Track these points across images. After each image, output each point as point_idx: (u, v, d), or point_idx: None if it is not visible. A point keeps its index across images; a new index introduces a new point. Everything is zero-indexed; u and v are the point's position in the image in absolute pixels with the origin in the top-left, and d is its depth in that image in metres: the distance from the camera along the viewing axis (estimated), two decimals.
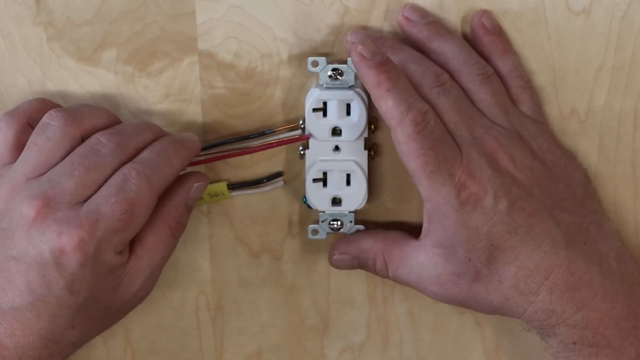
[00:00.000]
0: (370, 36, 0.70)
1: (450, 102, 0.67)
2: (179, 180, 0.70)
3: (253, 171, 0.74)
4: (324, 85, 0.70)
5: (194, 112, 0.74)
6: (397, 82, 0.65)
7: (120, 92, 0.73)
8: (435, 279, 0.68)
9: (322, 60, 0.70)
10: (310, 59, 0.70)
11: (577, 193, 0.69)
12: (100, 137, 0.67)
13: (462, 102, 0.68)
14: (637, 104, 0.72)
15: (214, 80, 0.73)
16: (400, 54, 0.69)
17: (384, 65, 0.65)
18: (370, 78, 0.65)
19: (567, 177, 0.69)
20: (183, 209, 0.69)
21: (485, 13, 0.70)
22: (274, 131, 0.72)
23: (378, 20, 0.71)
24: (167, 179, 0.68)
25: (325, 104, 0.70)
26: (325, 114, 0.70)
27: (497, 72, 0.70)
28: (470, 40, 0.71)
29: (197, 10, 0.72)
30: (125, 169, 0.66)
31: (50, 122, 0.67)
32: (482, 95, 0.69)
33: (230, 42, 0.72)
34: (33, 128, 0.69)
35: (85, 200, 0.65)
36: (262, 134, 0.72)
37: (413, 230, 0.71)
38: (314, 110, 0.70)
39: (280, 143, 0.72)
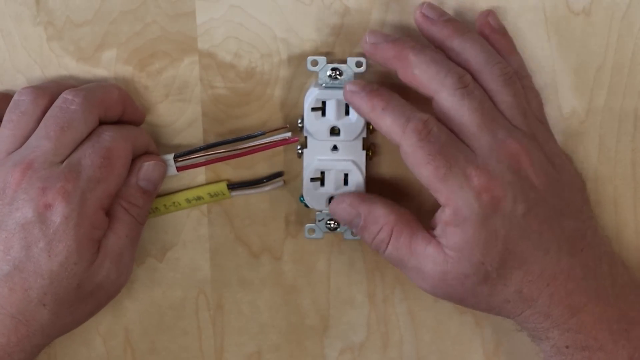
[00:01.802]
0: (389, 37, 0.69)
1: (475, 105, 0.66)
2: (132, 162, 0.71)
3: (253, 171, 0.74)
4: (323, 85, 0.70)
5: (194, 112, 0.74)
6: (390, 100, 0.66)
7: None
8: (441, 274, 0.67)
9: (321, 59, 0.70)
10: (310, 58, 0.70)
11: (577, 198, 0.69)
12: (66, 95, 0.69)
13: (485, 103, 0.67)
14: (637, 104, 0.72)
15: (214, 80, 0.73)
16: (422, 56, 0.67)
17: (375, 91, 0.66)
18: (364, 106, 0.66)
19: (570, 182, 0.69)
20: (134, 188, 0.70)
21: (491, 13, 0.70)
22: (264, 133, 0.72)
23: (378, 20, 0.71)
24: (136, 133, 0.71)
25: (324, 103, 0.70)
26: (324, 114, 0.70)
27: None
28: None
29: (197, 10, 0.72)
30: (98, 129, 0.69)
31: (21, 97, 0.69)
32: (504, 96, 0.68)
33: (230, 42, 0.72)
34: None
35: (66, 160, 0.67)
36: (251, 136, 0.72)
37: None
38: (313, 109, 0.70)
39: (271, 146, 0.72)
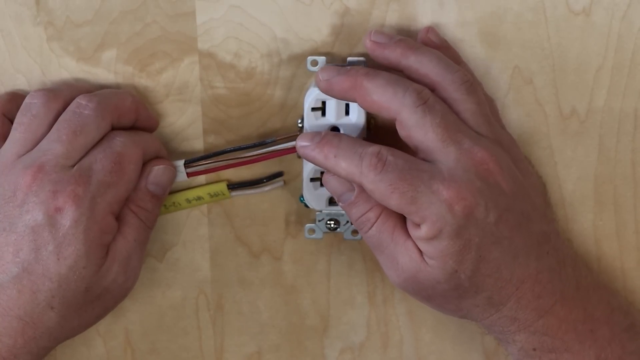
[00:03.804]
0: (342, 69, 0.68)
1: (437, 120, 0.65)
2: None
3: (253, 171, 0.74)
4: None
5: (194, 112, 0.74)
6: (340, 143, 0.66)
7: None
8: (414, 271, 0.66)
9: (321, 59, 0.70)
10: (310, 58, 0.70)
11: (541, 202, 0.70)
12: (80, 100, 0.69)
13: (448, 117, 0.66)
14: (637, 104, 0.72)
15: (214, 80, 0.73)
16: (378, 79, 0.67)
17: (323, 139, 0.66)
18: (317, 157, 0.66)
19: (534, 187, 0.70)
20: (143, 192, 0.70)
21: (430, 29, 0.70)
22: (275, 140, 0.72)
23: (378, 20, 0.71)
24: (147, 138, 0.71)
25: (324, 103, 0.70)
26: (323, 114, 0.70)
27: None
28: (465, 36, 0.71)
29: (197, 10, 0.72)
30: (110, 134, 0.69)
31: (33, 100, 0.69)
32: (468, 105, 0.67)
33: (230, 42, 0.72)
34: (8, 119, 0.71)
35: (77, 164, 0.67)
36: (262, 143, 0.72)
37: None
38: (313, 109, 0.70)
39: (281, 153, 0.72)
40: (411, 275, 0.66)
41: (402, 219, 0.67)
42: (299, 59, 0.72)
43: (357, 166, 0.65)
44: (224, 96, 0.73)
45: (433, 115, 0.65)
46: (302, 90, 0.72)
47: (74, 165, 0.67)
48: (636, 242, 0.74)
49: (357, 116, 0.70)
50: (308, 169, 0.71)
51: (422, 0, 0.71)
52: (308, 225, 0.74)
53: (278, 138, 0.72)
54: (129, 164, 0.68)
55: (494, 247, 0.65)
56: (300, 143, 0.67)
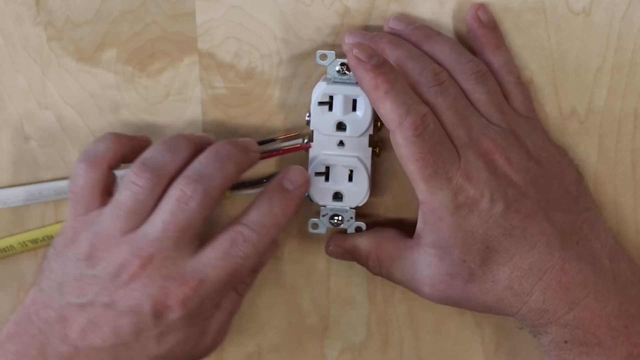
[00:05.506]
0: (367, 34, 0.70)
1: (448, 102, 0.67)
2: None
3: (253, 171, 0.74)
4: (332, 80, 0.70)
5: (194, 112, 0.74)
6: (395, 84, 0.65)
7: (120, 92, 0.73)
8: (428, 279, 0.68)
9: (330, 54, 0.69)
10: (319, 52, 0.69)
11: (571, 190, 0.69)
12: (184, 189, 0.65)
13: (460, 101, 0.67)
14: (637, 104, 0.72)
15: (214, 80, 0.73)
16: (398, 51, 0.68)
17: (381, 67, 0.65)
18: (368, 81, 0.65)
19: (560, 175, 0.69)
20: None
21: (481, 6, 0.70)
22: (274, 140, 0.72)
23: (378, 20, 0.72)
24: (271, 236, 0.67)
25: (331, 98, 0.70)
26: (331, 108, 0.70)
27: (489, 68, 0.70)
28: (466, 36, 0.71)
29: (197, 10, 0.72)
30: (232, 232, 0.66)
31: (137, 182, 0.65)
32: (478, 94, 0.68)
33: (230, 42, 0.72)
34: (113, 168, 0.68)
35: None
36: (261, 142, 0.72)
37: (414, 229, 0.71)
38: (320, 103, 0.70)
39: (280, 152, 0.72)
40: (429, 284, 0.67)
41: (397, 244, 0.70)
42: (299, 59, 0.72)
43: (400, 116, 0.64)
44: (224, 96, 0.73)
45: (445, 97, 0.66)
46: (302, 90, 0.73)
47: (184, 257, 0.65)
48: (636, 242, 0.74)
49: (364, 112, 0.69)
50: (313, 163, 0.71)
51: (422, 0, 0.71)
52: (312, 220, 0.73)
53: (277, 137, 0.72)
54: (244, 272, 0.67)
55: (503, 237, 0.65)
56: (356, 53, 0.64)
